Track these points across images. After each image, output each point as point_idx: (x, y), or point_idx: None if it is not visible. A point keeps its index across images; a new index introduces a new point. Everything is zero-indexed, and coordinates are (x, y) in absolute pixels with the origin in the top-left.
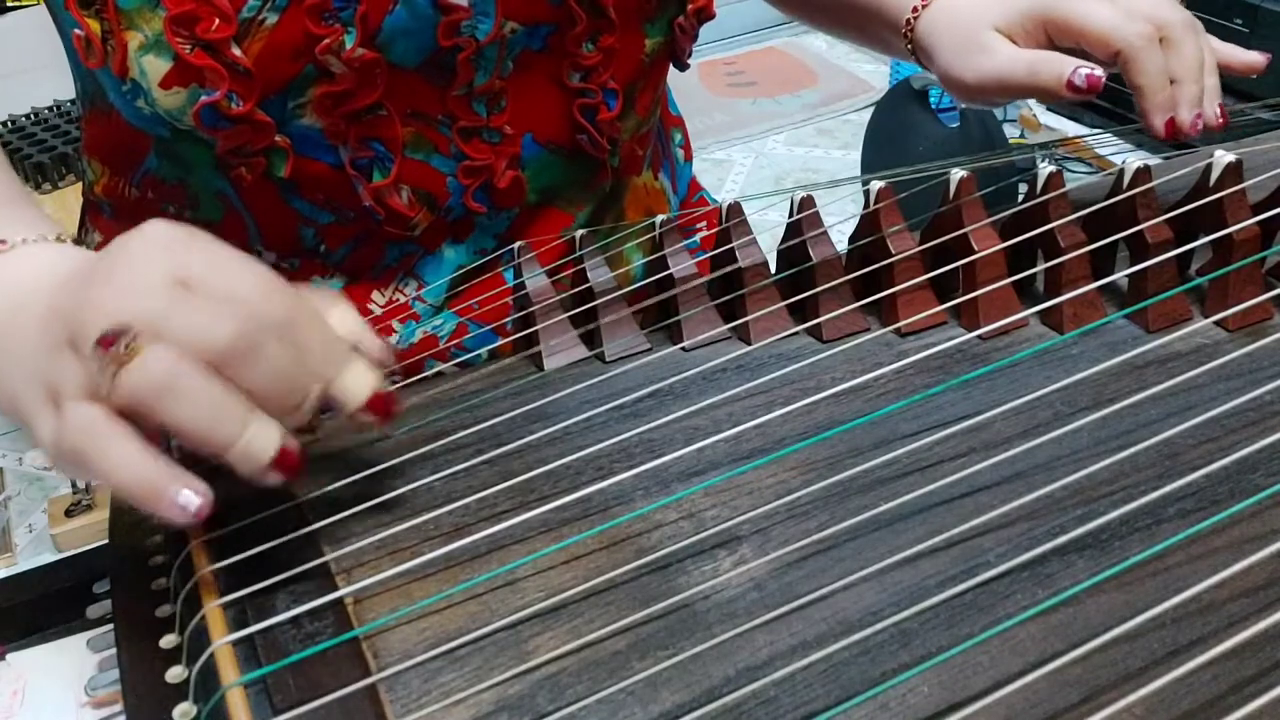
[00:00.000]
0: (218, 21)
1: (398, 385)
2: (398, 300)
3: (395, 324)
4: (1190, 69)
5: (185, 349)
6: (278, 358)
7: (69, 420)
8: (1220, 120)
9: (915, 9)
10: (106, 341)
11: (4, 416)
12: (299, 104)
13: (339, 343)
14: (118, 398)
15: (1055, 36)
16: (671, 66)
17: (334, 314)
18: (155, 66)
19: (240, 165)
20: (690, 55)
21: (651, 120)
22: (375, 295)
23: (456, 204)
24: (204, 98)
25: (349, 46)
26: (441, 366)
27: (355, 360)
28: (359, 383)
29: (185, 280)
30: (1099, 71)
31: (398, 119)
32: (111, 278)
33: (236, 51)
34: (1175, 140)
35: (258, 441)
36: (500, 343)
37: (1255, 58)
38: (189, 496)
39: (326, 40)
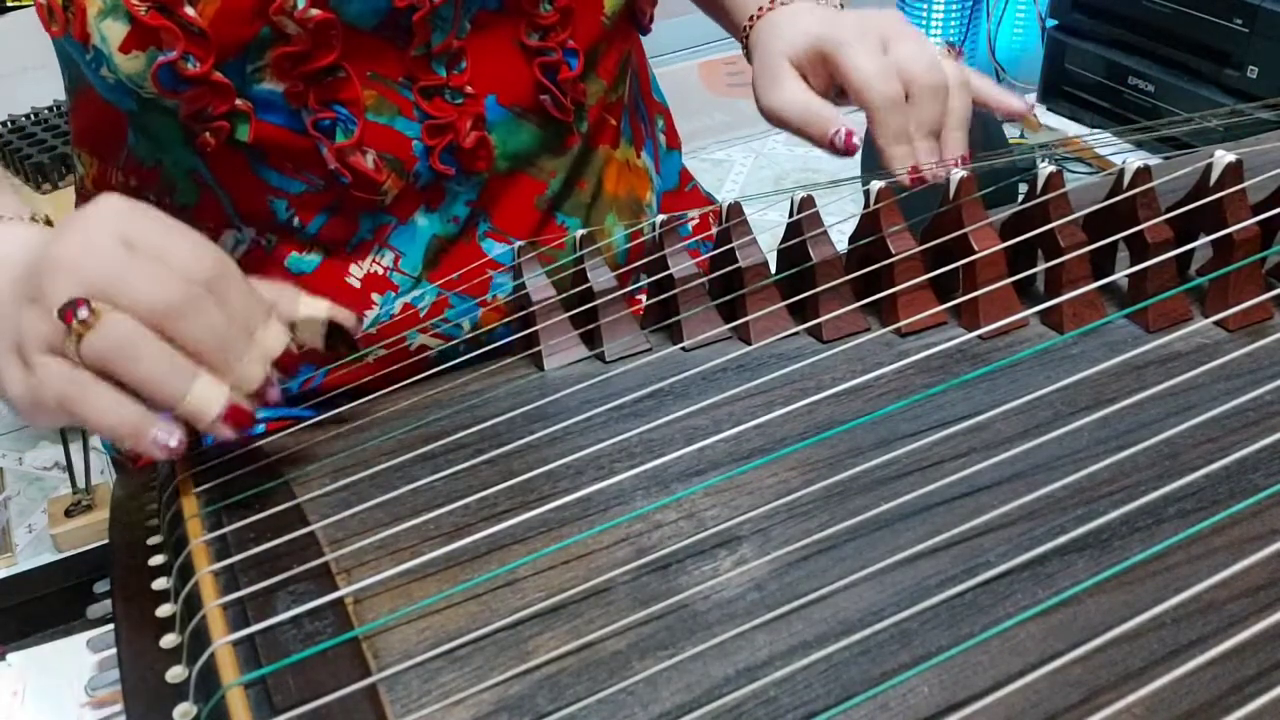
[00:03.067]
0: None
1: (383, 371)
2: (375, 272)
3: (375, 296)
4: (923, 126)
5: (135, 307)
6: (213, 314)
7: (46, 373)
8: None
9: (751, 18)
10: (69, 314)
11: None
12: (258, 67)
13: (259, 301)
14: (84, 359)
15: (832, 74)
16: (658, 70)
17: (302, 304)
18: (114, 31)
19: (204, 130)
20: (651, 19)
21: (620, 88)
22: (353, 269)
23: (424, 168)
24: (161, 58)
25: (301, 7)
26: (423, 340)
27: (271, 320)
28: (271, 339)
29: (130, 241)
30: (857, 138)
31: (358, 80)
32: (68, 240)
33: (190, 11)
34: (920, 186)
35: (205, 395)
36: (483, 315)
37: (1016, 105)
38: (166, 434)
39: (279, 1)
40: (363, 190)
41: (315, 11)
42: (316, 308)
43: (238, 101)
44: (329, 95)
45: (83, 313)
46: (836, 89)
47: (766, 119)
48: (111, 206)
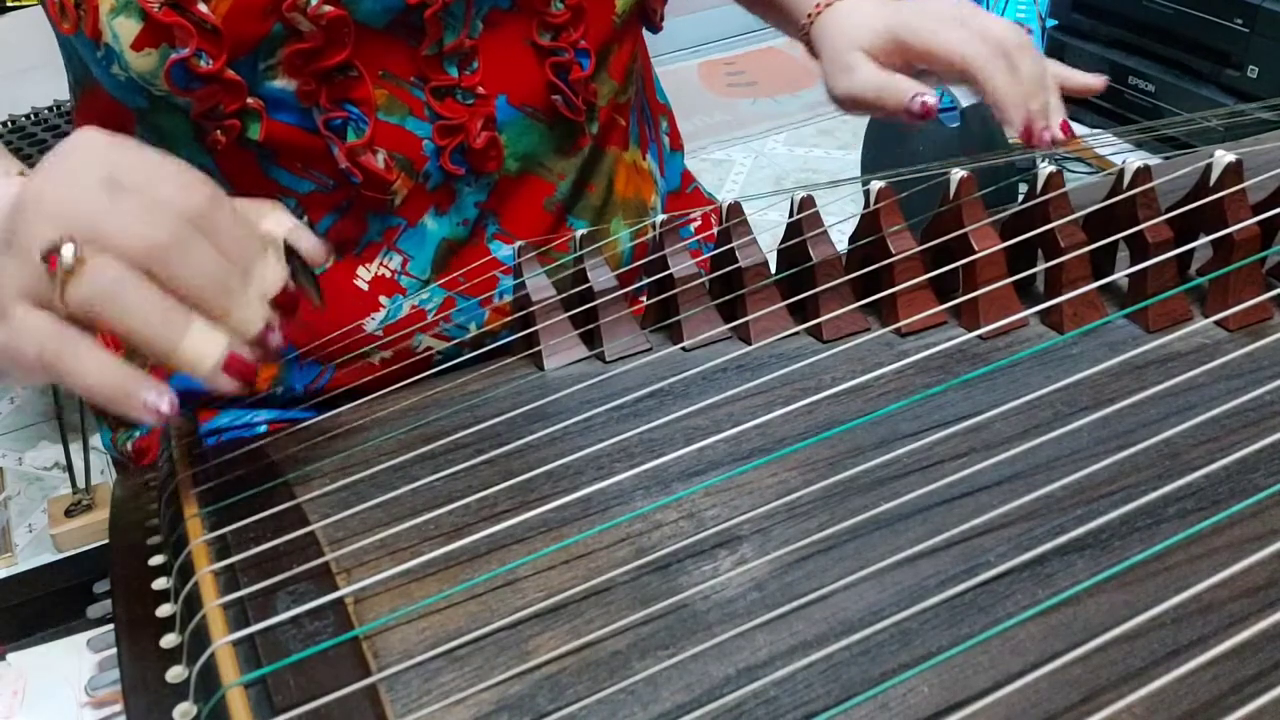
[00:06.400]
0: None
1: (386, 372)
2: (383, 275)
3: (382, 299)
4: (1031, 84)
5: (122, 249)
6: (204, 254)
7: (25, 326)
8: (1064, 135)
9: (809, 15)
10: (52, 258)
11: None
12: (270, 65)
13: (251, 236)
14: (69, 308)
15: (910, 59)
16: (658, 70)
17: (268, 219)
18: (126, 28)
19: (215, 128)
20: (662, 18)
21: (630, 89)
22: (361, 270)
23: (434, 168)
24: (174, 55)
25: (314, 3)
26: (429, 341)
27: (267, 253)
28: (269, 276)
29: (115, 178)
30: (932, 100)
31: (369, 79)
32: (47, 180)
33: (203, 8)
34: (1031, 147)
35: (202, 344)
36: (489, 316)
37: (1092, 81)
38: (157, 396)
39: None
40: (373, 190)
41: (328, 8)
42: (282, 223)
43: (249, 100)
44: (340, 94)
45: (66, 257)
46: (915, 73)
47: (839, 105)
48: (92, 142)
